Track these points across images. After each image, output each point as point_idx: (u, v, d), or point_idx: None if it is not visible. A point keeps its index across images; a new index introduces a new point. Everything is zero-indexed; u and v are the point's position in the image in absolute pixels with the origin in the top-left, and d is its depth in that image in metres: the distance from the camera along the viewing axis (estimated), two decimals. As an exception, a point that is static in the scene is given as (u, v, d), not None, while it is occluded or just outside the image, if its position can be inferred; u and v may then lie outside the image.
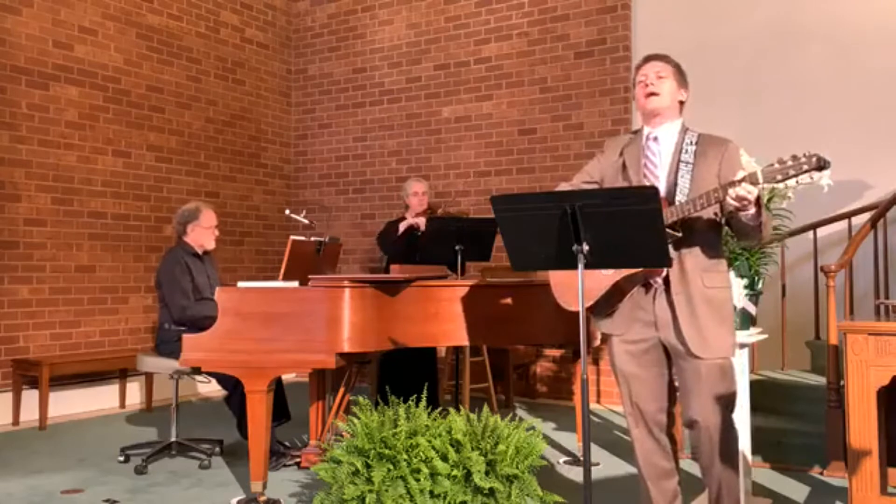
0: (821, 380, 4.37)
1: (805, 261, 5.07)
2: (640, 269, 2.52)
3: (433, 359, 5.18)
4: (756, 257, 3.61)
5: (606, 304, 2.65)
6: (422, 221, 4.97)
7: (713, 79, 5.43)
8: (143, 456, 4.16)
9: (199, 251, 4.45)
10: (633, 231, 2.25)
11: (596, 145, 6.11)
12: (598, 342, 4.65)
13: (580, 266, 2.29)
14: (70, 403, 5.63)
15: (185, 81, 6.64)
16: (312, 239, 4.09)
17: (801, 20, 5.48)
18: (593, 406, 5.90)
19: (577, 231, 2.26)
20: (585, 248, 2.27)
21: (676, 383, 2.71)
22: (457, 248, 4.41)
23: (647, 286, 2.59)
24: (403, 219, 5.27)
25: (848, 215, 4.91)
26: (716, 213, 2.57)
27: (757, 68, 5.62)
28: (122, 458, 4.24)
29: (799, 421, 4.31)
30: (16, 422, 5.29)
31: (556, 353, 6.24)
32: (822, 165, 2.28)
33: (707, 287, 2.54)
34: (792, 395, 4.51)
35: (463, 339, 3.88)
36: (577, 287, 2.33)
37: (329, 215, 7.12)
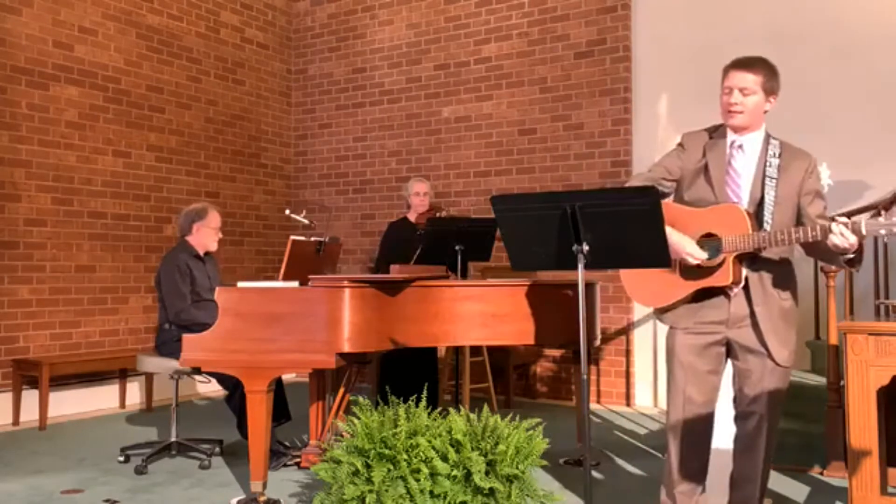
0: (821, 380, 4.37)
1: (805, 261, 5.06)
2: (720, 285, 2.57)
3: (434, 359, 5.18)
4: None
5: (679, 302, 2.69)
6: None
7: (713, 79, 5.38)
8: (143, 456, 4.16)
9: (201, 252, 4.45)
10: (633, 231, 2.25)
11: (596, 145, 6.12)
12: (598, 342, 4.65)
13: (580, 266, 2.30)
14: (70, 403, 5.63)
15: (185, 81, 6.64)
16: (312, 239, 4.09)
17: (801, 20, 5.48)
18: (593, 406, 5.90)
19: (577, 231, 2.26)
20: (585, 248, 2.27)
21: (734, 383, 2.76)
22: (457, 248, 4.41)
23: (726, 294, 2.64)
24: (404, 219, 5.27)
25: (848, 215, 4.90)
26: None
27: (757, 68, 5.60)
28: (122, 458, 4.24)
29: (799, 421, 4.31)
30: (16, 422, 5.29)
31: (556, 353, 6.24)
32: None
33: (783, 300, 2.63)
34: (792, 395, 4.49)
35: (463, 339, 3.88)
36: (649, 286, 2.35)
37: (329, 215, 7.12)
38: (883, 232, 2.35)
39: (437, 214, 5.07)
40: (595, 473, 4.00)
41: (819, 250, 2.56)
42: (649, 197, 2.23)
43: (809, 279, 4.96)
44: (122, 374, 5.92)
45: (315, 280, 3.49)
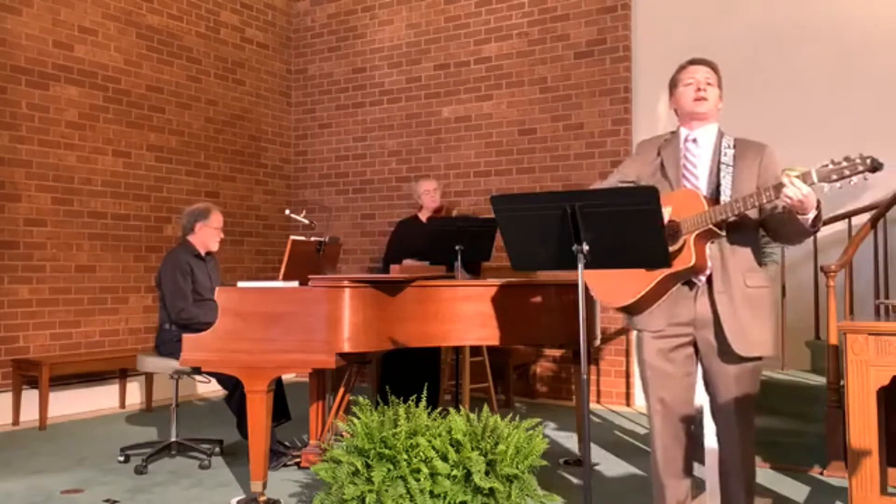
0: (821, 380, 4.37)
1: (805, 261, 5.07)
2: (683, 268, 2.53)
3: (435, 359, 5.18)
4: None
5: (647, 302, 2.65)
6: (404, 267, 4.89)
7: (713, 79, 5.41)
8: (143, 456, 4.16)
9: (203, 251, 4.45)
10: (633, 231, 2.25)
11: (596, 145, 6.12)
12: (598, 342, 4.65)
13: (580, 266, 2.29)
14: (70, 403, 5.63)
15: (185, 81, 6.64)
16: (312, 239, 4.09)
17: (801, 20, 5.48)
18: (593, 406, 5.90)
19: (576, 231, 2.26)
20: (585, 248, 2.27)
21: (705, 384, 2.73)
22: (457, 248, 4.41)
23: (690, 284, 2.61)
24: (414, 217, 5.30)
25: (848, 215, 4.91)
26: (759, 212, 2.59)
27: (757, 68, 5.61)
28: (122, 458, 4.24)
29: (799, 421, 4.31)
30: (16, 422, 5.29)
31: (556, 353, 6.24)
32: (875, 167, 2.28)
33: (749, 286, 2.57)
34: (792, 395, 4.51)
35: (463, 339, 3.88)
36: (612, 284, 2.33)
37: (329, 215, 7.12)
38: (834, 177, 2.31)
39: (453, 213, 5.11)
40: (595, 473, 4.00)
41: (781, 223, 2.54)
42: (649, 197, 2.23)
43: (809, 279, 4.97)
44: (122, 374, 5.93)
45: (315, 280, 3.49)
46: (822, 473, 3.97)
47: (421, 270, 4.05)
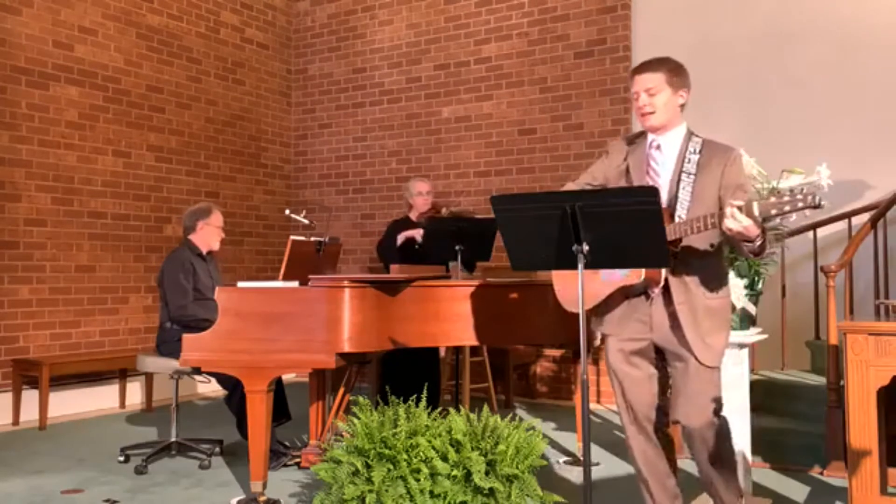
0: (821, 380, 4.37)
1: (805, 261, 5.07)
2: (639, 281, 2.53)
3: (435, 359, 5.17)
4: (756, 257, 3.61)
5: (605, 308, 2.70)
6: (419, 234, 4.95)
7: (713, 79, 5.42)
8: (143, 456, 4.16)
9: (204, 251, 4.46)
10: (633, 231, 2.25)
11: (596, 145, 6.12)
12: (598, 342, 4.65)
13: (580, 266, 2.29)
14: (70, 403, 5.63)
15: (185, 81, 6.64)
16: (312, 239, 4.09)
17: (802, 20, 5.48)
18: (593, 406, 5.90)
19: (576, 231, 2.26)
20: (585, 248, 2.27)
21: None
22: (457, 248, 4.41)
23: (646, 294, 2.63)
24: (406, 218, 5.27)
25: (848, 215, 4.91)
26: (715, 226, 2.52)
27: (757, 68, 5.61)
28: (122, 458, 4.24)
29: (799, 421, 4.31)
30: (16, 422, 5.29)
31: (556, 353, 6.23)
32: (816, 205, 2.23)
33: (708, 298, 2.58)
34: (792, 395, 4.51)
35: (463, 339, 3.88)
36: (575, 289, 2.34)
37: (329, 215, 7.12)
38: (774, 212, 2.27)
39: (446, 211, 5.09)
40: (595, 473, 4.00)
41: (733, 243, 2.51)
42: (650, 197, 2.23)
43: (809, 279, 4.97)
44: (122, 374, 5.92)
45: (315, 280, 3.49)
46: (822, 473, 3.97)
47: (422, 271, 4.05)
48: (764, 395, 4.44)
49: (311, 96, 7.61)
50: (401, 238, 5.07)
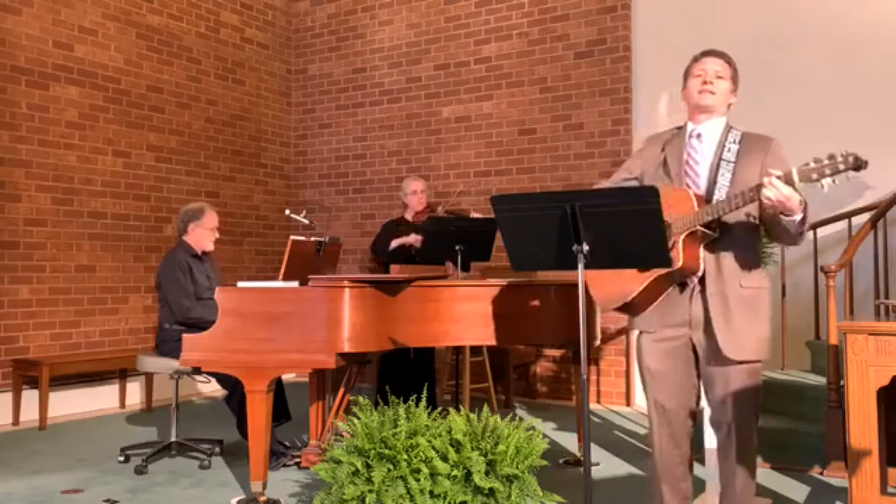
0: (821, 380, 4.37)
1: (805, 261, 5.07)
2: (675, 268, 2.47)
3: (431, 359, 5.17)
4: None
5: (643, 303, 2.61)
6: (417, 240, 4.94)
7: (713, 79, 5.41)
8: (143, 456, 4.16)
9: (199, 252, 4.45)
10: (633, 231, 2.25)
11: (596, 145, 6.12)
12: (598, 342, 4.65)
13: (580, 266, 2.29)
14: (70, 403, 5.63)
15: (185, 81, 6.64)
16: (312, 239, 4.09)
17: (802, 20, 5.48)
18: (593, 406, 5.90)
19: (577, 231, 2.26)
20: (585, 248, 2.26)
21: (704, 389, 2.68)
22: (457, 248, 4.41)
23: (683, 285, 2.57)
24: (401, 219, 5.27)
25: (848, 215, 4.91)
26: (749, 214, 2.52)
27: (757, 68, 5.60)
28: (122, 458, 4.24)
29: (799, 421, 4.31)
30: (16, 422, 5.29)
31: (556, 353, 6.24)
32: (858, 165, 2.22)
33: (743, 287, 2.52)
34: (792, 395, 4.51)
35: (463, 339, 3.88)
36: (607, 285, 2.31)
37: (329, 215, 7.12)
38: (815, 176, 2.25)
39: (441, 209, 5.09)
40: (595, 473, 4.00)
41: (771, 224, 2.49)
42: (650, 197, 2.22)
43: (809, 279, 4.97)
44: (122, 374, 5.92)
45: (315, 280, 3.49)
46: (822, 473, 3.97)
47: (422, 271, 4.05)
48: (764, 396, 4.42)
49: (311, 96, 7.61)
50: (395, 244, 5.06)
